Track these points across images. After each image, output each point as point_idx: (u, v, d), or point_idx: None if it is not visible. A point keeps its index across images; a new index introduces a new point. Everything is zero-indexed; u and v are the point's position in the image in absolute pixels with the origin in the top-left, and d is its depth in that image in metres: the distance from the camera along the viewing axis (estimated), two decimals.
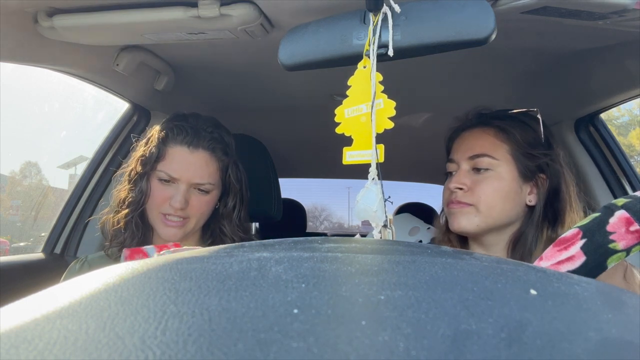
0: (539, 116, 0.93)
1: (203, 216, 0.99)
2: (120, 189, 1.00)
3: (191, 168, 0.94)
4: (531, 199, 0.91)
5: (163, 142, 0.95)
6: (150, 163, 0.94)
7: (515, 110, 0.96)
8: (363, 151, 0.53)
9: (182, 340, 0.17)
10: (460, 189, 0.90)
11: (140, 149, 0.99)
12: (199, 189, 0.96)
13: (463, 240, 0.98)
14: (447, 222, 1.00)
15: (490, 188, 0.88)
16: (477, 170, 0.91)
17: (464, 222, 0.89)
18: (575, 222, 0.86)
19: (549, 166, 0.90)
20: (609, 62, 1.08)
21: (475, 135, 0.94)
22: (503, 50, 1.10)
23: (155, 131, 0.98)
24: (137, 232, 0.97)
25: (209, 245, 1.00)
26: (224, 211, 1.03)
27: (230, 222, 1.03)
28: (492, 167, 0.89)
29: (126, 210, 0.96)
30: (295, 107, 1.62)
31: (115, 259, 0.97)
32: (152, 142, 0.97)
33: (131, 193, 0.96)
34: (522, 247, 0.88)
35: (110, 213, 1.01)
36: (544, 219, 0.89)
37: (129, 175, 0.99)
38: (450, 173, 0.97)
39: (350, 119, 0.55)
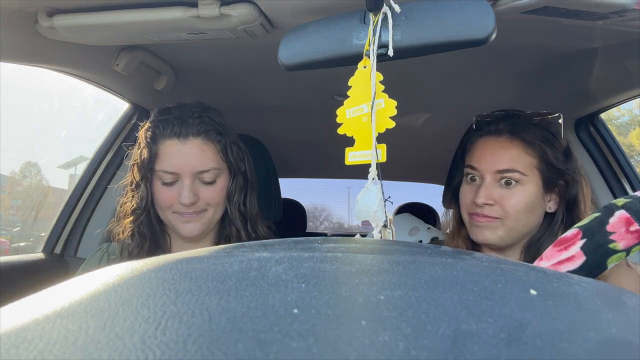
0: (560, 121, 0.91)
1: (219, 206, 0.94)
2: (124, 201, 0.97)
3: (188, 159, 0.90)
4: (551, 206, 0.90)
5: (153, 141, 0.91)
6: (146, 166, 0.90)
7: (538, 117, 0.92)
8: (365, 151, 0.53)
9: (182, 340, 0.17)
10: (489, 204, 0.88)
11: (134, 157, 0.95)
12: (204, 181, 0.91)
13: (475, 247, 0.96)
14: (457, 226, 0.99)
15: (519, 203, 0.87)
16: (503, 183, 0.88)
17: (488, 234, 0.88)
18: None
19: (569, 175, 0.89)
20: (609, 62, 1.08)
21: (503, 146, 0.90)
22: (503, 50, 1.10)
23: (142, 133, 0.94)
24: (144, 242, 0.93)
25: (224, 243, 0.97)
26: (230, 197, 0.96)
27: (235, 206, 0.96)
28: (521, 182, 0.87)
29: (130, 219, 0.93)
30: (295, 107, 1.62)
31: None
32: (142, 144, 0.93)
33: (133, 201, 0.93)
34: (536, 252, 0.87)
35: (115, 223, 0.98)
36: (561, 226, 0.89)
37: (130, 185, 0.96)
38: (471, 178, 0.93)
39: (351, 119, 0.55)
